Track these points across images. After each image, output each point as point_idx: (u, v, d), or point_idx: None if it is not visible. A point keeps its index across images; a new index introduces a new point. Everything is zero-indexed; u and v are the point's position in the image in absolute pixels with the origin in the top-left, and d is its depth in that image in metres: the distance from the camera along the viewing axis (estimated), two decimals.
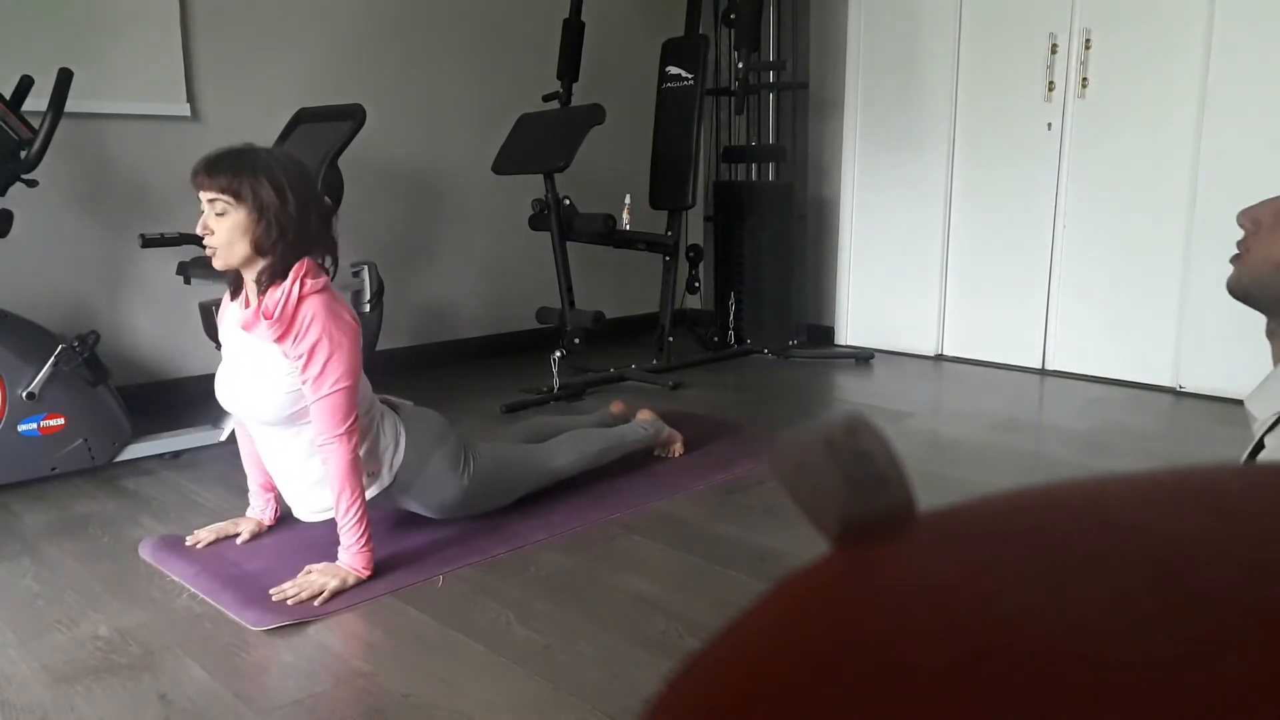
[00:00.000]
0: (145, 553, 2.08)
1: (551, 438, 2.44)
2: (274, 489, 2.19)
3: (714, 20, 4.57)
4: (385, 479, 2.02)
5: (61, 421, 2.50)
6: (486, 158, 3.73)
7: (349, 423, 1.87)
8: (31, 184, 2.53)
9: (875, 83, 4.13)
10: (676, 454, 2.71)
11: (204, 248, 1.91)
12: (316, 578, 1.86)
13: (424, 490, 2.09)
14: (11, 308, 2.93)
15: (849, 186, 4.28)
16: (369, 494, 1.98)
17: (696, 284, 4.28)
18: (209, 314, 2.79)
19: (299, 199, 1.86)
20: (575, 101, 3.93)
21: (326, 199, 2.84)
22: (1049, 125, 3.64)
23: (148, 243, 2.73)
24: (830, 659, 0.23)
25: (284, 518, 2.21)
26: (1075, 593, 0.23)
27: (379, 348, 3.19)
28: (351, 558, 1.89)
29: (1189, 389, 3.37)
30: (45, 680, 1.58)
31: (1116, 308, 3.56)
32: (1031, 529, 0.27)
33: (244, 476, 2.58)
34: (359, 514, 1.89)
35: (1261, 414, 1.12)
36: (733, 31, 4.13)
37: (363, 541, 1.90)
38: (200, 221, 1.86)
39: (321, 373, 1.84)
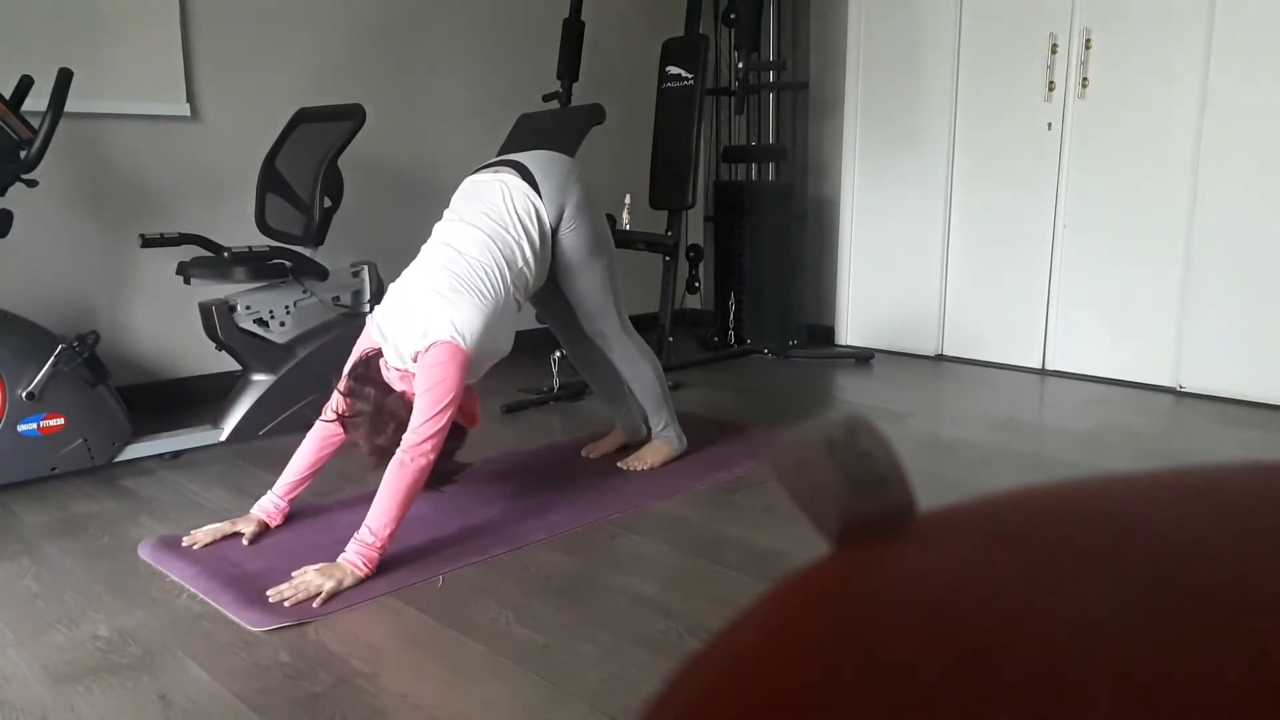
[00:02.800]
0: (145, 553, 2.08)
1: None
2: (301, 488, 2.20)
3: (714, 20, 4.57)
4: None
5: (61, 421, 2.50)
6: (486, 157, 3.73)
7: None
8: (31, 184, 2.53)
9: (875, 82, 4.13)
10: (640, 466, 2.60)
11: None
12: (313, 578, 1.86)
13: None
14: (11, 308, 2.93)
15: (849, 186, 4.28)
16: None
17: (696, 284, 4.28)
18: (209, 314, 2.80)
19: None
20: (575, 101, 3.93)
21: (328, 199, 2.85)
22: (1049, 125, 3.64)
23: (148, 243, 2.73)
24: (830, 659, 0.23)
25: (287, 518, 2.21)
26: (1075, 593, 0.23)
27: None
28: (362, 548, 1.90)
29: (1189, 389, 3.37)
30: (45, 680, 1.58)
31: (1116, 308, 3.56)
32: (1031, 529, 0.27)
33: (243, 476, 2.59)
34: (398, 523, 1.93)
35: None
36: (733, 31, 4.13)
37: (383, 544, 1.92)
38: None
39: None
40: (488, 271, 2.10)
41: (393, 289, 2.13)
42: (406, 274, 2.14)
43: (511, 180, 2.25)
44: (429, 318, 2.01)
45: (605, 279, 2.41)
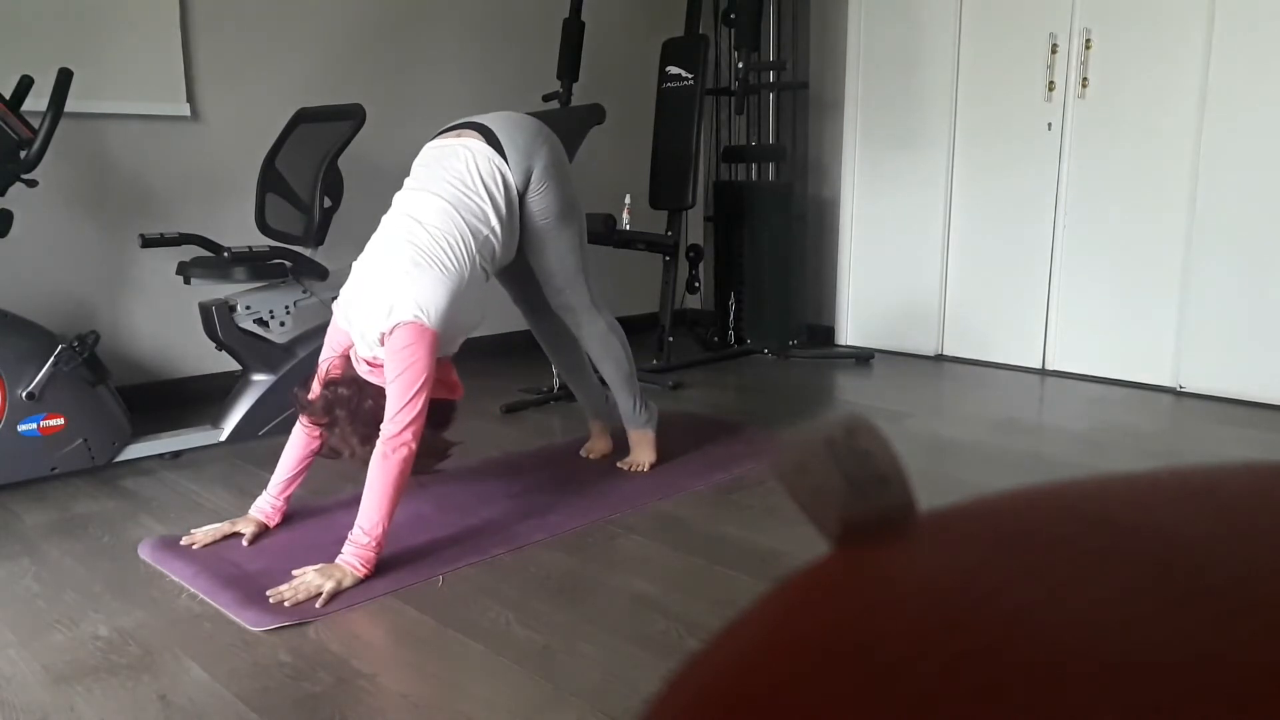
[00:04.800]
0: (145, 553, 2.08)
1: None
2: (294, 485, 2.19)
3: (714, 20, 4.57)
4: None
5: (61, 421, 2.50)
6: None
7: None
8: (31, 184, 2.53)
9: (875, 82, 4.13)
10: (636, 469, 2.59)
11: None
12: (312, 579, 1.85)
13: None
14: (11, 308, 2.93)
15: (849, 186, 4.28)
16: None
17: (696, 284, 4.28)
18: (209, 314, 2.80)
19: None
20: (575, 101, 3.93)
21: (328, 199, 2.85)
22: (1049, 125, 3.64)
23: (148, 243, 2.73)
24: (830, 659, 0.23)
25: (287, 518, 2.21)
26: (1075, 592, 0.23)
27: None
28: (358, 549, 1.89)
29: (1189, 389, 3.37)
30: (45, 680, 1.58)
31: (1116, 308, 3.56)
32: (1031, 529, 0.27)
33: (243, 476, 2.59)
34: (389, 518, 1.91)
35: None
36: (733, 31, 4.13)
37: (378, 541, 1.91)
38: None
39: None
40: (451, 242, 2.01)
41: (355, 266, 2.05)
42: (368, 249, 2.06)
43: (475, 145, 2.15)
44: (392, 296, 1.93)
45: (574, 247, 2.31)
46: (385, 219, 2.10)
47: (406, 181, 2.17)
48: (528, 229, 2.24)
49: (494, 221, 2.11)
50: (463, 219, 2.05)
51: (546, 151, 2.21)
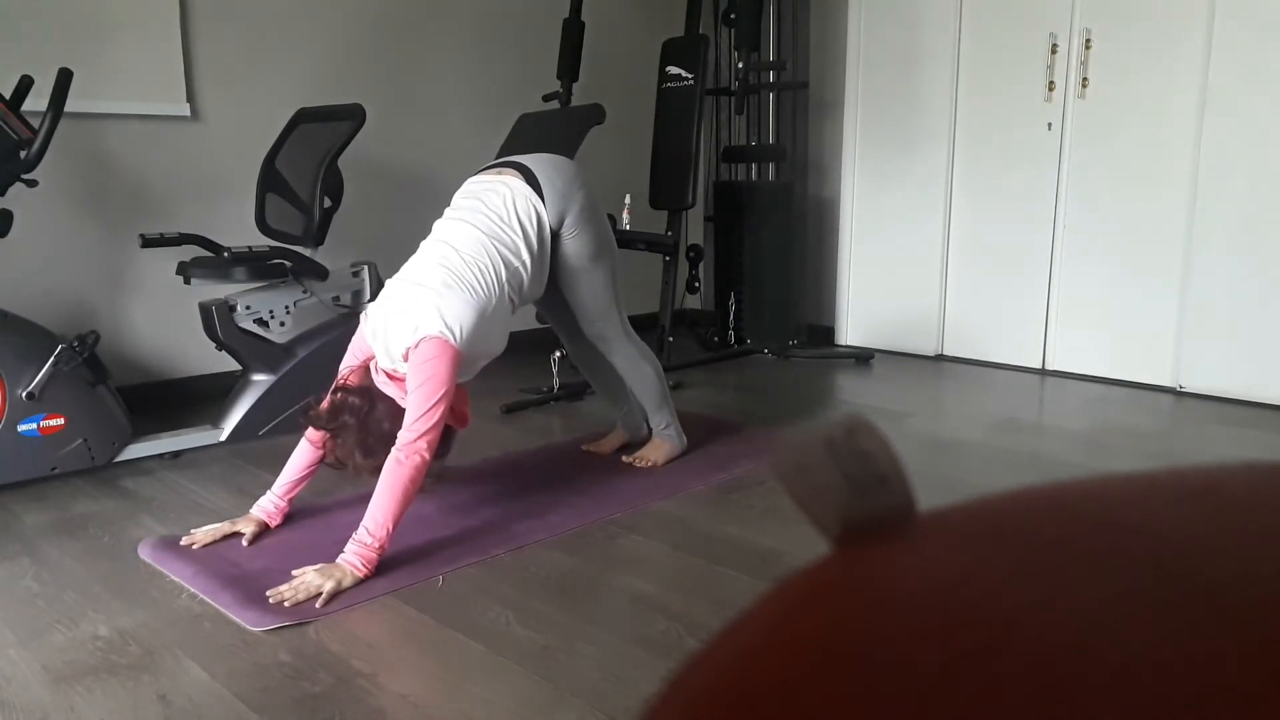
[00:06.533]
0: (145, 553, 2.08)
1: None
2: (299, 488, 2.19)
3: (714, 20, 4.57)
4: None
5: (61, 421, 2.50)
6: (486, 157, 3.73)
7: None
8: (31, 184, 2.53)
9: (875, 82, 4.13)
10: (644, 464, 2.62)
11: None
12: (312, 579, 1.85)
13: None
14: (11, 308, 2.93)
15: (849, 186, 4.28)
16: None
17: (696, 284, 4.28)
18: (209, 314, 2.80)
19: None
20: (575, 101, 3.93)
21: (328, 199, 2.85)
22: (1049, 125, 3.64)
23: (148, 243, 2.73)
24: (830, 659, 0.23)
25: (287, 518, 2.21)
26: (1075, 593, 0.23)
27: None
28: (361, 549, 1.90)
29: (1189, 389, 3.37)
30: (45, 680, 1.58)
31: (1116, 308, 3.56)
32: (1031, 529, 0.27)
33: (243, 476, 2.59)
34: (396, 522, 1.92)
35: None
36: (733, 31, 4.13)
37: (382, 544, 1.91)
38: None
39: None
40: (482, 269, 2.10)
41: (388, 284, 2.14)
42: (404, 269, 2.16)
43: (514, 183, 2.25)
44: (419, 313, 2.01)
45: (607, 283, 2.41)
46: (423, 244, 2.20)
47: (446, 211, 2.27)
48: (563, 267, 2.34)
49: (525, 255, 2.20)
50: (495, 249, 2.15)
51: (583, 196, 2.31)
